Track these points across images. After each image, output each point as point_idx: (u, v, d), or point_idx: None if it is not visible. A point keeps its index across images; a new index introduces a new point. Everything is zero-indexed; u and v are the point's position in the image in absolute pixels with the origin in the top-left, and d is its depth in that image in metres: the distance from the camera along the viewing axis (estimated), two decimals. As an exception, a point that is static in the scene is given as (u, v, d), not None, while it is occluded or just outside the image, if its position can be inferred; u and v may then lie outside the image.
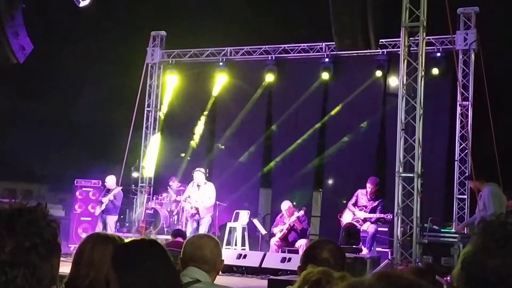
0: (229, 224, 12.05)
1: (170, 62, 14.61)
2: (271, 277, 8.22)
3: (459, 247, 8.53)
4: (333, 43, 10.66)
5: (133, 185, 14.37)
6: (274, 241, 11.07)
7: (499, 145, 10.72)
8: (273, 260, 9.87)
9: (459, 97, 11.72)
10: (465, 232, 9.39)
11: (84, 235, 7.87)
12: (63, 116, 17.05)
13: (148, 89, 14.57)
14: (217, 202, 11.96)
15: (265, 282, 7.75)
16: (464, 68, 12.20)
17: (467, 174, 11.56)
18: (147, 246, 2.40)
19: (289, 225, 11.00)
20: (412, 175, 8.92)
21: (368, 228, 10.49)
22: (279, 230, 11.10)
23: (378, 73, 12.94)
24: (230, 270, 9.57)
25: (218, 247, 3.11)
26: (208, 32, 14.40)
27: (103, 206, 12.32)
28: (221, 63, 14.12)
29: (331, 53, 13.09)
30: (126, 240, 2.61)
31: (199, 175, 11.60)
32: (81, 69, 16.02)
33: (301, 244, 10.65)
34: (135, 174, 14.70)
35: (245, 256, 10.07)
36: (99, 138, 16.93)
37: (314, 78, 13.51)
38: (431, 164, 11.38)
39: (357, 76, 13.26)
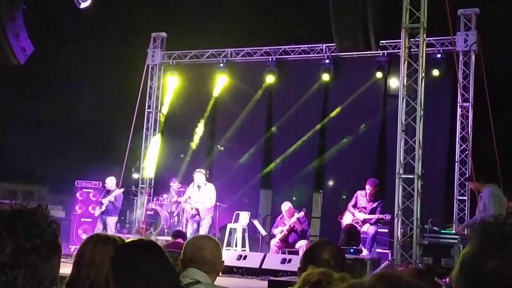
0: (229, 225, 12.05)
1: (170, 63, 14.61)
2: (271, 278, 8.22)
3: (459, 248, 8.54)
4: (334, 44, 10.66)
5: (133, 186, 14.37)
6: (274, 242, 11.07)
7: (500, 146, 10.71)
8: (273, 261, 9.87)
9: (459, 98, 11.71)
10: (465, 233, 9.37)
11: (84, 236, 7.88)
12: (63, 116, 17.02)
13: (149, 90, 14.57)
14: (218, 203, 11.95)
15: (265, 283, 7.74)
16: (465, 69, 12.19)
17: (467, 175, 11.55)
18: (146, 246, 2.41)
19: (289, 226, 11.00)
20: (412, 176, 8.92)
21: (368, 229, 10.49)
22: (279, 231, 11.09)
23: (379, 75, 12.92)
24: (230, 271, 9.58)
25: (218, 248, 3.12)
26: (208, 33, 14.38)
27: (103, 207, 12.32)
28: (221, 65, 14.13)
29: (332, 54, 13.08)
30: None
31: (199, 176, 11.61)
32: (81, 70, 15.99)
33: (301, 245, 10.65)
34: (135, 175, 14.70)
35: (245, 257, 10.07)
36: (99, 139, 16.90)
37: (315, 79, 13.50)
38: (431, 165, 11.37)
39: (357, 77, 13.24)
